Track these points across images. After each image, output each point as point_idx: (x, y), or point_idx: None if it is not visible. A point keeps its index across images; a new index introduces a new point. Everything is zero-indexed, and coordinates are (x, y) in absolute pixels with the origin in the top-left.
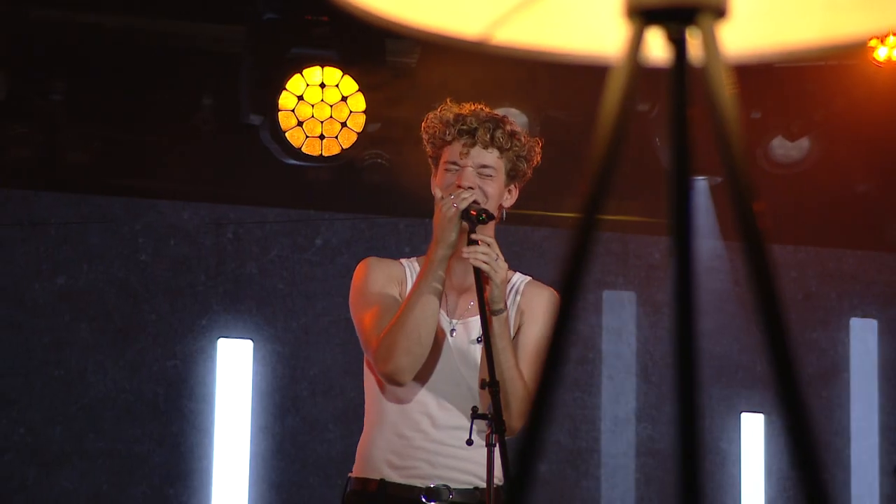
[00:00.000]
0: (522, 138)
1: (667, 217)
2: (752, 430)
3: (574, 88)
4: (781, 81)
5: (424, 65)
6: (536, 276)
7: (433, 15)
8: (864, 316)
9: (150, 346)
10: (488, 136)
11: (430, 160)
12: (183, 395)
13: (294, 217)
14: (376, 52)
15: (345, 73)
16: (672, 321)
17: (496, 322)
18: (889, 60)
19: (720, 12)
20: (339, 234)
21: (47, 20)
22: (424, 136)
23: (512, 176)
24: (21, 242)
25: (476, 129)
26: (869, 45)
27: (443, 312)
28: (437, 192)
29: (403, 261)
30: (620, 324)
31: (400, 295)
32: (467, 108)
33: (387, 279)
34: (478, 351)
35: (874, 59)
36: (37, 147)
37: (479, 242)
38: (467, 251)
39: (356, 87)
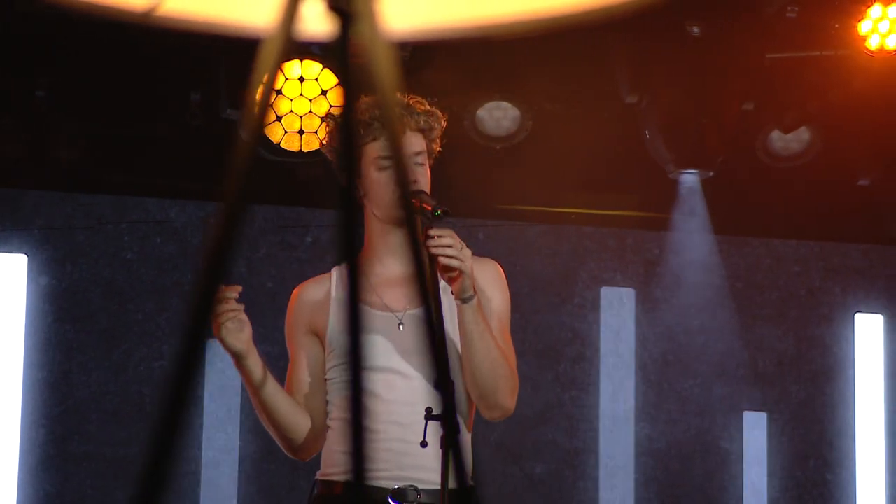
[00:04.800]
0: (437, 114)
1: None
2: (755, 429)
3: (568, 80)
4: (773, 72)
5: (413, 58)
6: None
7: None
8: (869, 311)
9: (136, 347)
10: (416, 120)
11: (335, 161)
12: None
13: (284, 214)
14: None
15: (324, 66)
16: None
17: (469, 309)
18: (881, 49)
19: None
20: (330, 230)
21: (31, 14)
22: (339, 137)
23: (430, 155)
24: (4, 242)
25: (402, 116)
26: (860, 33)
27: (377, 311)
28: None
29: (334, 271)
30: (618, 321)
31: (320, 323)
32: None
33: (305, 321)
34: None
35: (866, 48)
36: (21, 144)
37: (435, 237)
38: (431, 246)
39: (335, 80)
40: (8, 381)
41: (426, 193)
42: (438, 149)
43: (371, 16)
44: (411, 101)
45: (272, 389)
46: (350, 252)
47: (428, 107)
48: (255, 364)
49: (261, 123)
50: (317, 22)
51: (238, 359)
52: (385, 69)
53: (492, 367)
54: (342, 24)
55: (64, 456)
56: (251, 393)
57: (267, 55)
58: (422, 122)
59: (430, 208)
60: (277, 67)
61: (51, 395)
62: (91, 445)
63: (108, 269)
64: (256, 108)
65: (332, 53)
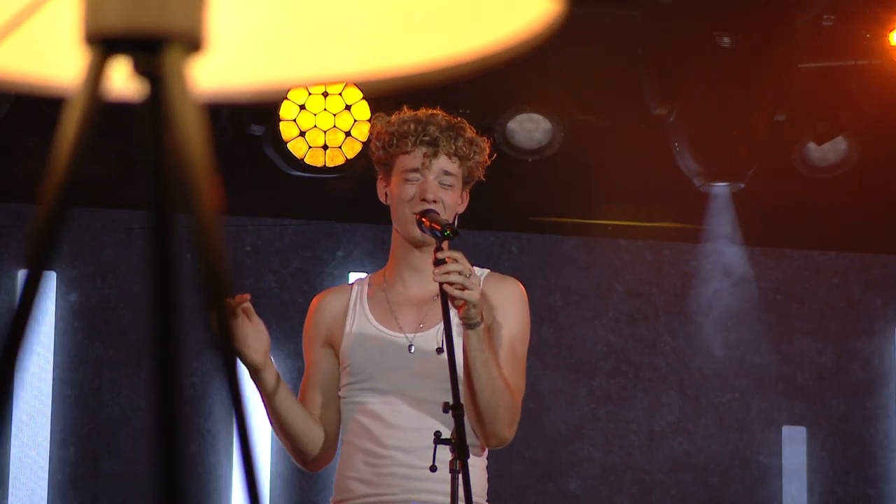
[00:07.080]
0: (481, 144)
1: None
2: (794, 444)
3: (599, 91)
4: (804, 83)
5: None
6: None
7: None
8: None
9: None
10: (452, 146)
11: (377, 164)
12: (201, 415)
13: (314, 228)
14: None
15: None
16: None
17: (473, 335)
18: None
19: (193, 45)
20: (361, 245)
21: None
22: (376, 143)
23: (467, 182)
24: None
25: (438, 138)
26: (891, 43)
27: (390, 333)
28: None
29: (356, 283)
30: (654, 335)
31: (336, 337)
32: (423, 113)
33: (322, 333)
34: (443, 362)
35: (894, 58)
36: (48, 160)
37: (448, 260)
38: (436, 273)
39: (360, 95)
40: (37, 398)
41: (435, 212)
42: (481, 177)
43: (180, 79)
44: (454, 123)
45: (284, 400)
46: None
47: (471, 134)
48: (270, 375)
49: (70, 188)
50: (125, 84)
51: (254, 371)
52: (194, 134)
53: (493, 395)
54: (151, 87)
55: (93, 474)
56: (263, 403)
57: (72, 116)
58: (453, 147)
59: (438, 227)
60: (83, 131)
61: (80, 412)
62: (121, 464)
63: (137, 284)
64: (64, 173)
65: (141, 117)
